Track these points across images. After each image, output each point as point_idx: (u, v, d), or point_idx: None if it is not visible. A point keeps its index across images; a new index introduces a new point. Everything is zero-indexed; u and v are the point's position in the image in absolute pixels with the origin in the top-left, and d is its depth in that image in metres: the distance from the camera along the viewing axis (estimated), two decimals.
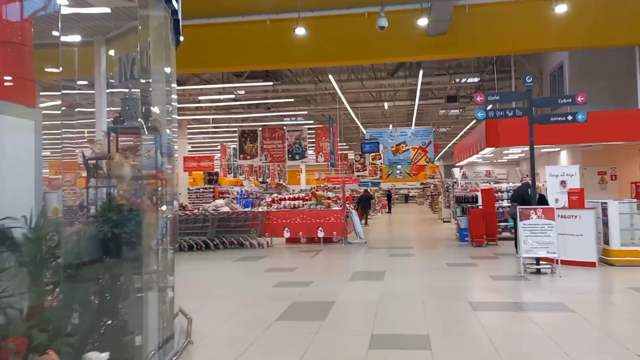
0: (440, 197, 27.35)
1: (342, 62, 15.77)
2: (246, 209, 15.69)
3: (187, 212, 14.97)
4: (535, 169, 20.71)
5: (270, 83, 18.72)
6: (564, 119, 9.26)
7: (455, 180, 23.40)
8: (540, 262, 9.24)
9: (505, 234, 14.87)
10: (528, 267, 9.25)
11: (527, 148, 16.14)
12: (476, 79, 21.95)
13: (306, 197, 17.15)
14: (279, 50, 14.15)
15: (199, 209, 16.55)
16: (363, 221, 23.42)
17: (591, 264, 9.66)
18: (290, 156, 21.48)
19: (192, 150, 38.16)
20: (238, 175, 27.64)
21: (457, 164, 25.13)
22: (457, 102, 21.90)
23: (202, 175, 28.13)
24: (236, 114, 25.07)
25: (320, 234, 14.94)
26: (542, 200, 10.97)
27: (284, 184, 39.97)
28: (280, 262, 11.84)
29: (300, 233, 15.11)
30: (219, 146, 26.11)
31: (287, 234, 15.16)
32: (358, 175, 37.70)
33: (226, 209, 15.93)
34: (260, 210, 15.52)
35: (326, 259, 12.22)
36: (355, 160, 36.75)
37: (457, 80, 19.96)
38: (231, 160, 26.08)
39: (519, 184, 14.43)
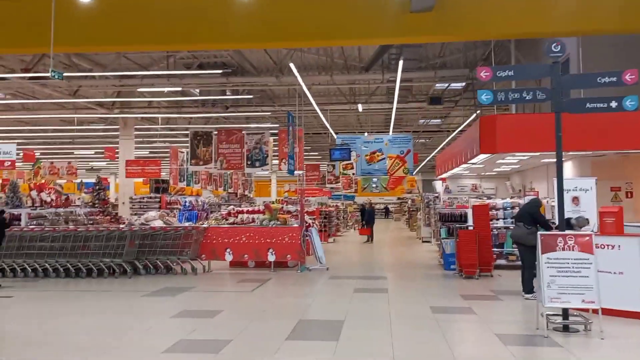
0: (418, 213, 24.52)
1: (303, 43, 12.69)
2: (178, 225, 12.46)
3: (100, 227, 11.74)
4: (532, 184, 18.07)
5: (218, 71, 15.59)
6: (606, 105, 6.42)
7: (437, 195, 20.60)
8: (569, 314, 6.34)
9: (500, 262, 11.99)
10: (552, 321, 6.31)
11: (526, 156, 13.42)
12: (462, 84, 19.27)
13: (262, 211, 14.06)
14: (218, 24, 10.94)
15: (124, 223, 13.37)
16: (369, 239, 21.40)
17: (635, 315, 6.79)
18: (249, 163, 18.50)
19: (150, 155, 34.68)
20: (193, 183, 24.36)
21: (439, 177, 22.39)
22: (441, 105, 19.14)
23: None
24: (189, 114, 21.90)
25: (271, 258, 11.83)
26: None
27: (250, 195, 36.79)
28: (205, 299, 8.68)
29: (246, 256, 11.99)
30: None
31: (229, 257, 12.00)
32: (331, 188, 34.69)
33: (158, 223, 12.74)
34: (194, 226, 12.33)
35: (269, 295, 9.10)
36: (328, 172, 33.75)
37: (441, 77, 17.14)
38: (184, 166, 22.83)
39: (522, 200, 11.65)
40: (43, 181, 25.78)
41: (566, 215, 9.46)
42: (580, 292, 6.08)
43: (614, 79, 6.36)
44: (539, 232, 6.37)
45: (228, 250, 11.94)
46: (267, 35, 11.19)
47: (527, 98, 6.58)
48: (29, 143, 29.17)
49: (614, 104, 6.37)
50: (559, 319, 6.34)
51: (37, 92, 19.22)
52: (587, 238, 6.24)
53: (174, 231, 11.59)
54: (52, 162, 22.54)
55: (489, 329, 6.43)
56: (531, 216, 8.61)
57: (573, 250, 6.16)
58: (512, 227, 11.24)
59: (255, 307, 7.85)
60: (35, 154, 25.39)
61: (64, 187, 33.21)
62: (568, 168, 14.31)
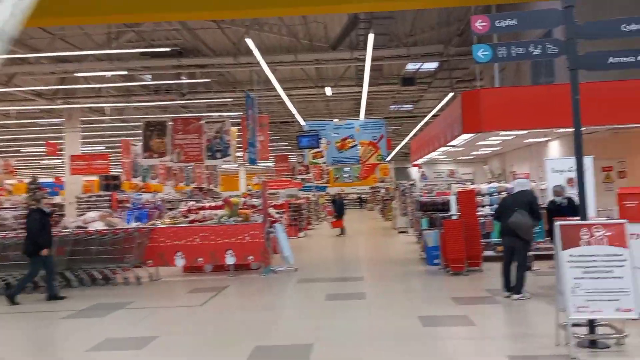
0: (393, 202, 23.21)
1: (261, 12, 10.91)
2: (119, 228, 10.69)
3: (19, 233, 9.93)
4: (512, 167, 16.88)
5: (167, 49, 13.79)
6: (634, 59, 5.06)
7: (412, 182, 19.30)
8: (594, 325, 5.00)
9: (488, 253, 10.69)
10: (574, 334, 4.94)
11: (511, 136, 12.13)
12: (435, 64, 17.94)
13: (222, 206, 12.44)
14: None
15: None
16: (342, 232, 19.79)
17: None
18: (209, 154, 16.78)
19: (104, 151, 32.38)
20: (148, 179, 22.46)
21: (414, 162, 21.11)
22: (414, 86, 17.79)
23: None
24: (141, 102, 19.97)
25: (230, 260, 10.25)
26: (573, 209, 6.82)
27: (216, 189, 34.90)
28: (140, 320, 7.03)
29: (200, 260, 10.37)
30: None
31: (180, 262, 10.37)
32: (302, 179, 33.15)
33: (99, 225, 10.98)
34: (137, 227, 10.62)
35: (222, 310, 7.52)
36: (298, 162, 32.15)
37: (414, 54, 15.71)
38: (136, 160, 20.91)
39: (509, 185, 10.37)
40: None
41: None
42: (613, 297, 4.73)
43: None
44: (557, 223, 4.98)
45: (179, 253, 10.30)
46: (219, 3, 9.47)
47: (534, 53, 5.17)
48: None
49: None
50: (582, 331, 5.00)
51: None
52: (617, 227, 4.88)
53: (112, 234, 9.89)
54: None
55: (497, 347, 5.04)
56: (530, 206, 7.29)
57: (602, 244, 4.81)
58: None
59: (201, 329, 6.27)
60: None
61: (13, 188, 30.74)
62: (554, 148, 13.13)
